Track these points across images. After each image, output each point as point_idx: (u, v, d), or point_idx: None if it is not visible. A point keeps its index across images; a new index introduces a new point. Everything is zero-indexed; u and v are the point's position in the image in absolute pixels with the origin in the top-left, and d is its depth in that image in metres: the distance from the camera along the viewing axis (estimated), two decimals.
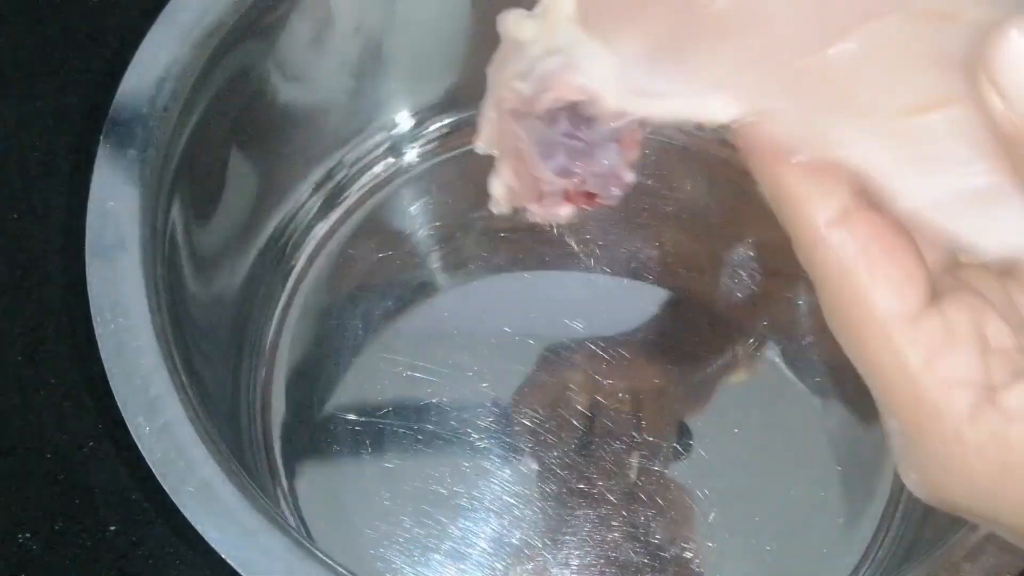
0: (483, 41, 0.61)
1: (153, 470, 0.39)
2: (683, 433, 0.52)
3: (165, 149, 0.46)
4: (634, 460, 0.51)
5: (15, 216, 0.57)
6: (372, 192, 0.59)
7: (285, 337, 0.55)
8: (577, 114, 0.29)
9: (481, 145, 0.33)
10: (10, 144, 0.59)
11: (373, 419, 0.53)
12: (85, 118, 0.59)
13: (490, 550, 0.50)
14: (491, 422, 0.52)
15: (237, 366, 0.53)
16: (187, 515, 0.38)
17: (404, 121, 0.60)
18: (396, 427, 0.52)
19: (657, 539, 0.50)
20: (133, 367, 0.41)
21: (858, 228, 0.27)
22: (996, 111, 0.25)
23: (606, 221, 0.58)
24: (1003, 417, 0.27)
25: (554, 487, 0.51)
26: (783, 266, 0.56)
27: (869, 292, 0.27)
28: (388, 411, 0.53)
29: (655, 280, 0.57)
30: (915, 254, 0.27)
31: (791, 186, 0.28)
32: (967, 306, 0.28)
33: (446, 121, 0.60)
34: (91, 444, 0.52)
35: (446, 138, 0.60)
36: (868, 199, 0.27)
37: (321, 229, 0.58)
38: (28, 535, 0.50)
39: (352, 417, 0.53)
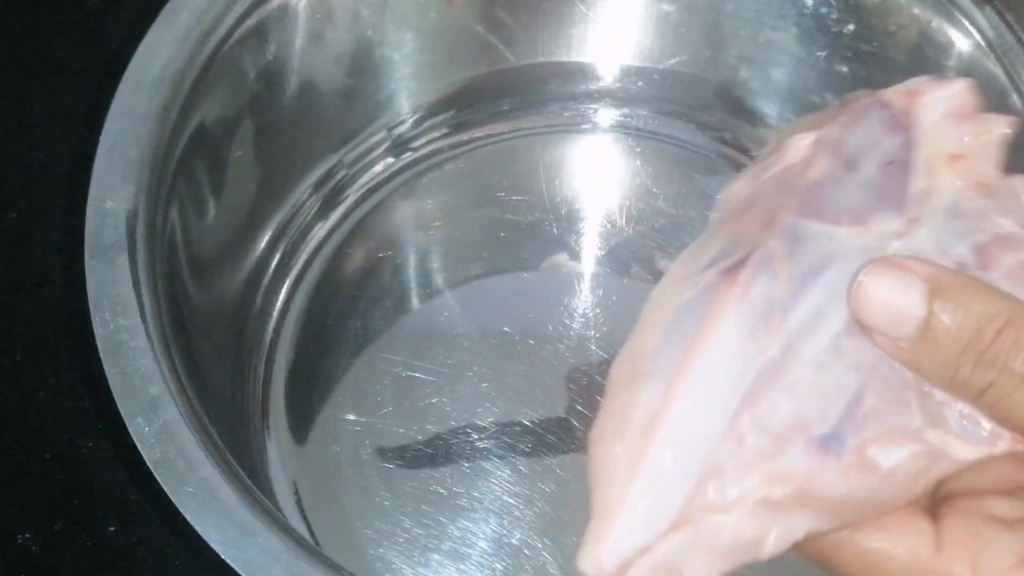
0: (482, 41, 0.61)
1: (152, 470, 0.39)
2: None
3: (164, 149, 0.46)
4: None
5: (14, 216, 0.57)
6: (372, 192, 0.59)
7: (285, 337, 0.55)
8: None
9: None
10: (9, 144, 0.59)
11: (373, 419, 0.52)
12: (84, 118, 0.59)
13: (490, 550, 0.50)
14: (491, 422, 0.52)
15: (237, 366, 0.53)
16: (187, 516, 0.38)
17: (404, 121, 0.60)
18: (396, 427, 0.52)
19: None
20: (132, 367, 0.40)
21: None
22: (879, 343, 0.29)
23: (606, 221, 0.58)
24: None
25: (554, 487, 0.51)
26: None
27: None
28: (388, 411, 0.53)
29: (655, 280, 0.56)
30: None
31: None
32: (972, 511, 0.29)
33: (446, 121, 0.60)
34: (90, 444, 0.52)
35: (446, 138, 0.60)
36: None
37: (321, 229, 0.58)
38: (27, 536, 0.50)
39: (352, 417, 0.53)
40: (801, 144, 0.33)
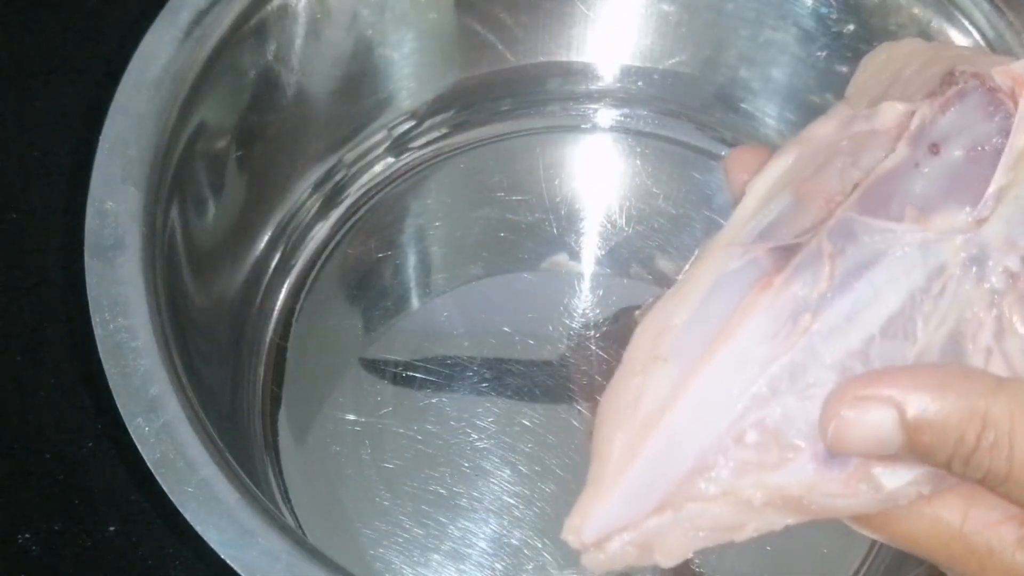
0: (482, 41, 0.61)
1: (152, 470, 0.39)
2: None
3: (164, 149, 0.46)
4: None
5: (14, 216, 0.57)
6: (372, 192, 0.59)
7: (285, 337, 0.55)
8: None
9: None
10: (9, 144, 0.59)
11: (373, 419, 0.52)
12: (84, 117, 0.59)
13: (490, 550, 0.50)
14: (491, 422, 0.52)
15: (237, 366, 0.53)
16: (186, 516, 0.38)
17: (404, 121, 0.60)
18: (396, 427, 0.52)
19: None
20: (132, 367, 0.40)
21: None
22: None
23: (606, 221, 0.58)
24: None
25: (554, 487, 0.51)
26: None
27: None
28: (388, 411, 0.53)
29: (655, 280, 0.56)
30: None
31: None
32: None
33: (446, 121, 0.60)
34: (90, 444, 0.52)
35: (446, 138, 0.60)
36: None
37: (321, 229, 0.58)
38: (27, 536, 0.50)
39: (352, 417, 0.53)
40: (896, 112, 0.31)
